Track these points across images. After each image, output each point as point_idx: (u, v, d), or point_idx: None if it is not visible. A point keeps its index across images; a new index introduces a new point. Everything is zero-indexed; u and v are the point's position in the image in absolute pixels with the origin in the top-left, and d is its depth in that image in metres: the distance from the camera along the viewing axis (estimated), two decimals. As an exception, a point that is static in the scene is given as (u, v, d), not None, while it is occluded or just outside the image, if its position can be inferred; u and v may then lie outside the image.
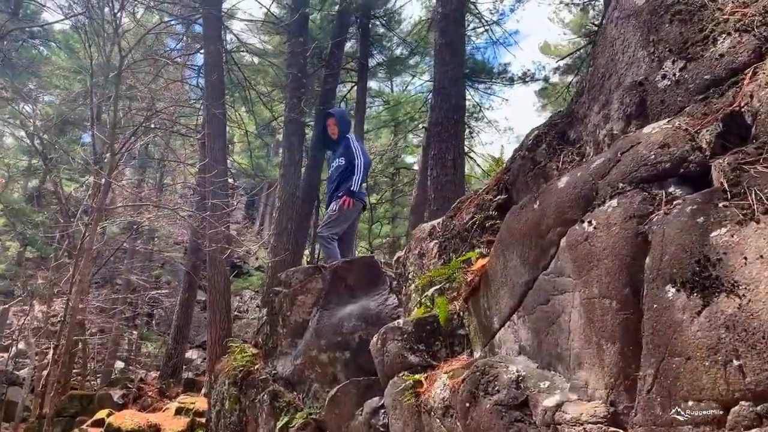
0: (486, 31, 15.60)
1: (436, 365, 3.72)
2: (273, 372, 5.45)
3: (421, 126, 24.56)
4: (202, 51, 17.92)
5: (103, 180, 12.71)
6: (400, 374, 3.77)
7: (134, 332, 24.48)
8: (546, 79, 17.73)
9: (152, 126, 16.10)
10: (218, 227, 12.28)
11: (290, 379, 5.27)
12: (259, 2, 16.85)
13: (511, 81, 16.40)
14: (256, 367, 5.70)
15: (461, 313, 3.71)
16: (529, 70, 16.93)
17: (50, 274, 18.78)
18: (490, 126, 19.74)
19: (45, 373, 15.23)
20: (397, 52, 19.56)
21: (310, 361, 5.04)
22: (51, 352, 15.03)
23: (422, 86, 24.40)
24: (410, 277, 4.59)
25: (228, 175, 15.59)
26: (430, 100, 14.49)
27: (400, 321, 3.92)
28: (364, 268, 5.42)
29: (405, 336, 3.81)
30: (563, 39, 22.94)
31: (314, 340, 5.02)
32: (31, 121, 16.96)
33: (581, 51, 17.86)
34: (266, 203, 32.63)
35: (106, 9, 12.74)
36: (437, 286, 3.70)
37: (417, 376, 3.70)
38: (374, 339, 4.04)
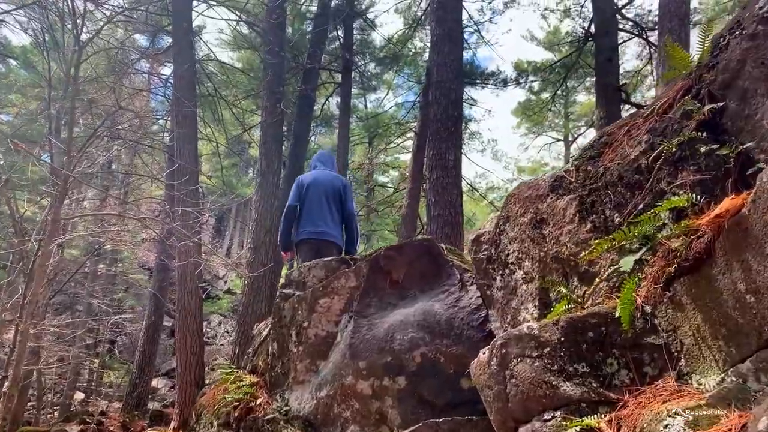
0: (476, 31, 14.20)
1: (617, 400, 1.99)
2: (284, 408, 3.70)
3: (395, 143, 23.17)
4: (169, 62, 16.20)
5: (58, 189, 10.82)
6: (546, 415, 2.03)
7: (95, 361, 22.04)
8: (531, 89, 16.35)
9: (111, 136, 14.29)
10: (189, 237, 10.46)
11: (311, 419, 3.52)
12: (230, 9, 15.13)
13: (505, 83, 15.01)
14: (258, 401, 3.92)
15: (654, 308, 2.02)
16: (523, 72, 15.54)
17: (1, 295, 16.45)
18: (473, 138, 18.30)
19: (-11, 408, 12.90)
20: (373, 68, 18.16)
21: (342, 392, 3.29)
22: (-3, 384, 12.75)
23: (399, 100, 23.13)
24: (511, 260, 2.89)
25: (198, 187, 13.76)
26: (419, 101, 13.04)
27: (534, 326, 2.22)
28: (418, 255, 3.73)
29: (549, 350, 2.09)
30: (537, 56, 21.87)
31: (348, 361, 3.29)
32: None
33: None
34: (236, 224, 30.55)
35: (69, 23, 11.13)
36: (631, 257, 2.00)
37: (587, 420, 1.97)
38: (481, 358, 2.36)
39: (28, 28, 21.82)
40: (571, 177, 2.55)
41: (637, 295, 2.07)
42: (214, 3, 15.04)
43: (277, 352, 3.99)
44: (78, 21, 11.03)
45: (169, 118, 16.12)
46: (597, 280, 2.33)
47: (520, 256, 2.80)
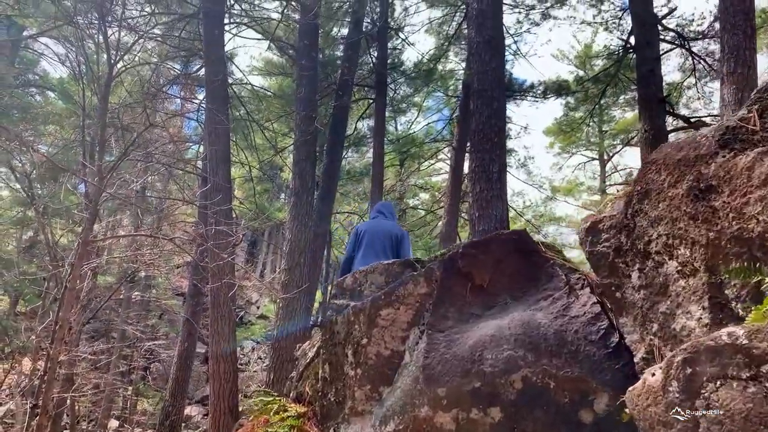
0: (513, 43, 13.52)
1: None
2: (339, 447, 2.88)
3: (428, 164, 22.53)
4: (202, 86, 15.88)
5: (89, 212, 10.35)
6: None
7: (129, 388, 21.44)
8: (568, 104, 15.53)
9: (144, 159, 13.92)
10: (222, 257, 9.85)
11: (374, 461, 2.71)
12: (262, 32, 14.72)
13: (545, 94, 14.24)
14: (306, 437, 3.10)
15: None
16: (563, 84, 14.77)
17: (36, 323, 16.07)
18: (509, 155, 17.49)
19: (20, 438, 12.32)
20: (404, 89, 17.62)
21: (415, 427, 2.52)
22: (28, 412, 12.18)
23: (432, 119, 22.59)
24: (656, 249, 2.11)
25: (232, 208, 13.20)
26: (457, 116, 12.36)
27: (738, 332, 1.43)
28: (507, 253, 2.97)
29: (774, 368, 1.27)
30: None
31: (422, 387, 2.52)
32: (24, 168, 14.89)
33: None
34: (269, 248, 30.01)
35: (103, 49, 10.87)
36: None
37: None
38: (650, 381, 1.71)
39: (66, 61, 21.78)
40: (753, 125, 1.79)
41: None
42: (245, 27, 14.69)
43: (330, 376, 3.24)
44: (109, 41, 10.70)
45: (203, 143, 15.74)
46: None
47: (671, 241, 2.04)
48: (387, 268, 3.26)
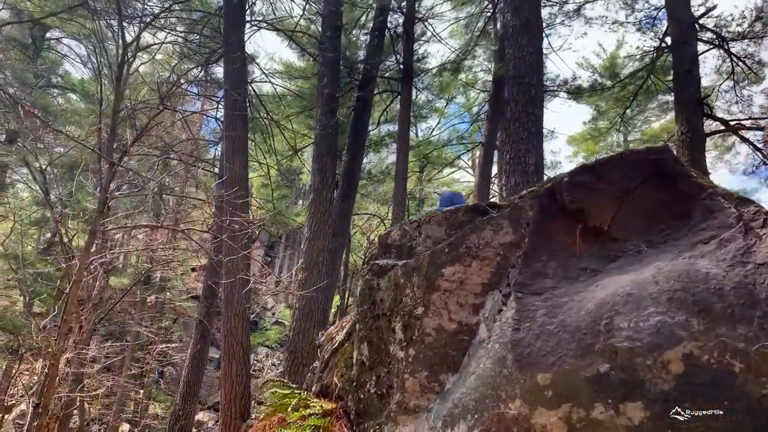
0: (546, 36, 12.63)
1: None
2: (384, 459, 2.00)
3: (447, 171, 21.69)
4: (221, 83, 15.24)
5: (99, 194, 9.67)
6: None
7: (140, 391, 20.63)
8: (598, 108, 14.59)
9: (158, 155, 13.32)
10: (237, 251, 9.07)
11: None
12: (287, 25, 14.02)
13: (579, 91, 13.32)
14: (337, 441, 2.22)
15: None
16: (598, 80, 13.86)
17: (48, 322, 15.29)
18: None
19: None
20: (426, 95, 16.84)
21: (500, 429, 1.57)
22: (30, 411, 11.36)
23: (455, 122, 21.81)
24: None
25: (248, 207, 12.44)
26: (486, 111, 11.53)
27: None
28: (640, 180, 2.10)
29: None
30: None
31: (512, 371, 1.65)
32: (42, 168, 14.37)
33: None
34: (285, 252, 29.20)
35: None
36: None
37: None
38: None
39: (87, 62, 21.35)
40: None
41: None
42: (264, 25, 14.04)
43: (368, 360, 2.41)
44: (124, 27, 10.12)
45: (221, 140, 15.07)
46: None
47: None
48: (448, 217, 2.39)
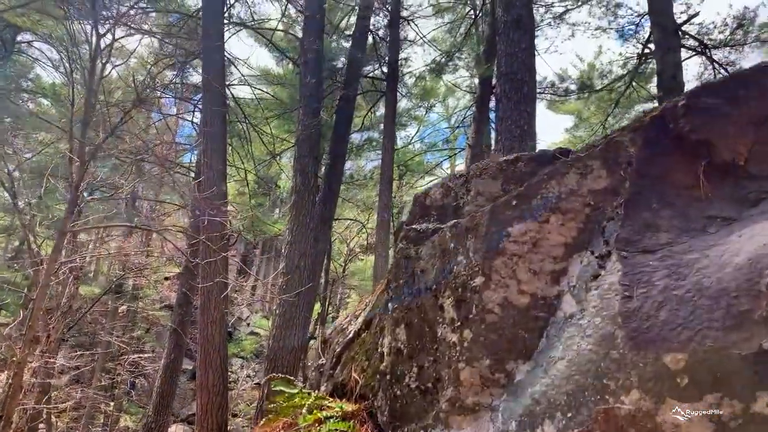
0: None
1: None
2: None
3: (427, 180, 21.36)
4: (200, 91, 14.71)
5: (69, 194, 9.12)
6: None
7: (111, 403, 19.72)
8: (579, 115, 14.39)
9: (131, 158, 12.75)
10: (215, 252, 8.53)
11: None
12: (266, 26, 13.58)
13: (566, 93, 13.09)
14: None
15: None
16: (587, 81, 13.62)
17: (12, 330, 14.48)
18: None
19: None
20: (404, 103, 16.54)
21: (608, 427, 1.10)
22: (-9, 426, 10.62)
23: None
24: None
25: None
26: (473, 113, 11.19)
27: None
28: None
29: None
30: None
31: (624, 352, 1.13)
32: (10, 171, 13.64)
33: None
34: (261, 262, 28.50)
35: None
36: None
37: None
38: None
39: (59, 66, 20.69)
40: None
41: None
42: (240, 28, 13.64)
43: (407, 347, 1.93)
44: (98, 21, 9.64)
45: (198, 138, 14.51)
46: None
47: None
48: (505, 168, 1.91)
